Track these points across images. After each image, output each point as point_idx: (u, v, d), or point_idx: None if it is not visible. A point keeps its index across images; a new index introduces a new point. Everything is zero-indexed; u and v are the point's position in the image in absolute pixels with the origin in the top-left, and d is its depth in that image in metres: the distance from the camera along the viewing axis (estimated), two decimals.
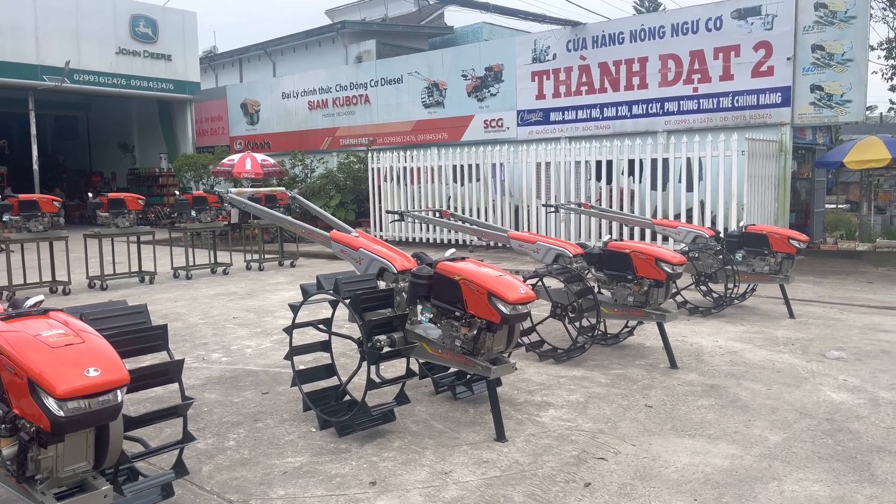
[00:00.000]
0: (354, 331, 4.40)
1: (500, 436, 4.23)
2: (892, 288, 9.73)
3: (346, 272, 4.61)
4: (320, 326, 4.66)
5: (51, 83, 19.31)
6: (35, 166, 20.20)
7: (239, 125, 22.83)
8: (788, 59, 12.62)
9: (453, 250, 4.70)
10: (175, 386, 3.35)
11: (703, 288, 8.26)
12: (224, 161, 16.15)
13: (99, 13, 20.30)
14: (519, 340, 5.70)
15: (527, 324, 6.20)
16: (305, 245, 14.09)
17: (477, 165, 14.91)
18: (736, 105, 13.30)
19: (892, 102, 28.57)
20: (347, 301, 4.15)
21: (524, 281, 6.01)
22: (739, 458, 3.95)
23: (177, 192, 13.16)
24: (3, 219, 9.54)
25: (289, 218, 5.70)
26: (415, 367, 4.99)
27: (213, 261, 12.05)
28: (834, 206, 18.55)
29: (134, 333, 3.16)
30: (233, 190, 5.63)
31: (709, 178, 12.13)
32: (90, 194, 11.35)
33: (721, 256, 7.88)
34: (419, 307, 4.60)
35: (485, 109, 16.76)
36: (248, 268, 12.38)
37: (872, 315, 7.98)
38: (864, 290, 9.60)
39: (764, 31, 12.85)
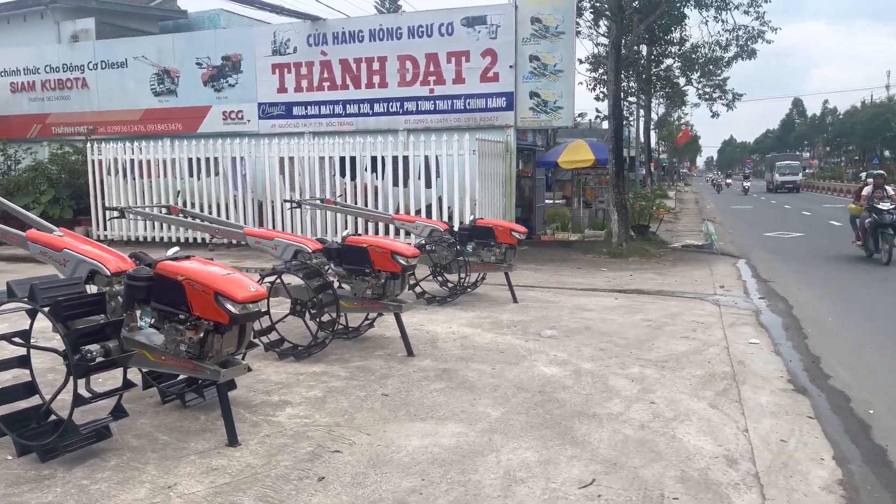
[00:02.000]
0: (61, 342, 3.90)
1: (233, 440, 4.05)
2: (595, 272, 11.18)
3: (48, 276, 4.07)
4: (15, 339, 4.05)
5: None
6: None
7: None
8: (511, 66, 13.85)
9: (176, 249, 4.38)
10: None
11: (440, 278, 8.74)
12: None
13: None
14: (257, 340, 5.54)
15: (266, 322, 6.04)
16: (9, 248, 12.23)
17: (216, 159, 14.18)
18: (468, 107, 14.26)
19: (597, 110, 32.77)
20: (46, 309, 3.65)
21: (262, 278, 5.85)
22: (465, 436, 4.23)
23: None
24: None
25: None
26: (138, 377, 4.59)
27: None
28: (552, 201, 20.79)
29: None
30: None
31: (445, 175, 12.87)
32: None
33: (454, 248, 8.40)
34: (138, 312, 4.22)
35: (223, 100, 15.96)
36: None
37: (580, 296, 9.09)
38: (574, 274, 10.91)
39: (490, 40, 13.95)
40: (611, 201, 14.10)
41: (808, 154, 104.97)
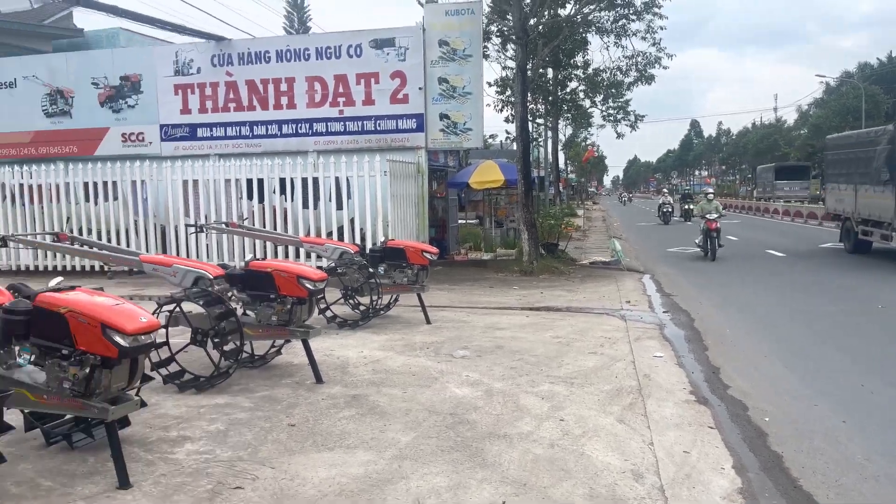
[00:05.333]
0: None
1: (123, 482, 3.79)
2: (507, 290, 11.31)
3: None
4: None
5: None
6: None
7: None
8: (420, 88, 13.93)
9: (59, 279, 4.09)
10: None
11: (351, 301, 8.60)
12: None
13: None
14: (153, 373, 5.25)
15: (165, 354, 5.75)
16: None
17: (114, 182, 13.53)
18: (378, 129, 14.23)
19: (507, 132, 33.42)
20: None
21: (159, 307, 5.57)
22: (374, 464, 4.12)
23: None
24: None
25: None
26: (19, 418, 4.24)
27: None
28: (465, 221, 20.99)
29: None
30: None
31: (356, 196, 12.75)
32: None
33: (365, 271, 8.29)
34: (17, 348, 3.91)
35: (122, 122, 15.28)
36: None
37: (492, 315, 9.15)
38: (487, 293, 11.00)
39: (399, 62, 14.00)
40: (520, 220, 14.35)
41: (705, 172, 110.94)
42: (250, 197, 13.22)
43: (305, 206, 12.93)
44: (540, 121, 30.70)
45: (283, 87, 14.53)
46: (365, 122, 14.29)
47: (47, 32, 22.07)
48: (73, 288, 3.98)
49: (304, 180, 12.86)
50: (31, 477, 3.96)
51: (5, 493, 3.74)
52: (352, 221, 12.89)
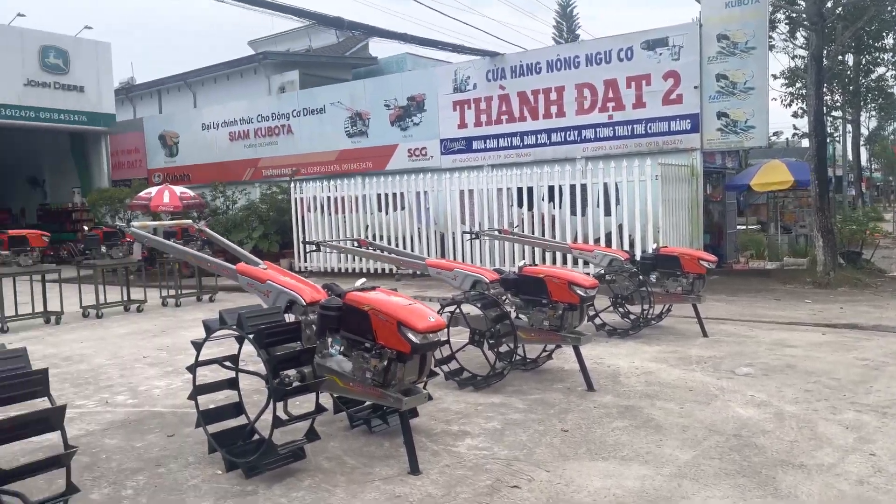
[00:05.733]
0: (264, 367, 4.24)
1: (414, 469, 4.13)
2: (797, 304, 10.17)
3: (251, 306, 4.46)
4: (226, 363, 4.48)
5: None
6: None
7: (157, 157, 22.17)
8: (695, 87, 13.20)
9: (363, 280, 4.62)
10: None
11: (621, 310, 8.42)
12: (141, 194, 15.58)
13: (6, 45, 19.43)
14: (437, 369, 5.67)
15: (446, 351, 6.17)
16: (226, 279, 13.68)
17: (401, 194, 14.92)
18: (649, 132, 13.78)
19: (795, 128, 30.21)
20: (251, 336, 4.00)
21: (442, 308, 6.00)
22: (650, 479, 3.98)
23: (86, 228, 12.60)
24: None
25: (193, 251, 5.50)
26: (329, 401, 4.87)
27: (126, 298, 11.54)
28: (745, 226, 19.38)
29: (9, 380, 2.93)
30: (135, 224, 5.40)
31: (625, 202, 12.47)
32: None
33: (637, 278, 8.07)
34: (329, 340, 4.49)
35: (408, 138, 16.82)
36: (165, 304, 11.92)
37: (780, 331, 8.30)
38: (772, 306, 10.00)
39: (672, 62, 13.42)
40: (814, 225, 12.82)
41: None
42: (520, 204, 13.66)
43: (573, 212, 12.99)
44: (836, 114, 27.20)
45: (553, 96, 14.77)
46: (635, 126, 13.93)
47: (348, 63, 25.15)
48: (374, 288, 4.46)
49: (572, 187, 12.93)
50: (338, 454, 4.51)
51: (318, 467, 4.31)
52: (620, 228, 12.64)
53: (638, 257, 9.16)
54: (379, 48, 26.86)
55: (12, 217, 25.31)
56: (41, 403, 3.16)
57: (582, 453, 4.42)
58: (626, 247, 12.12)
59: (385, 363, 4.15)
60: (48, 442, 4.69)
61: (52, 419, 2.97)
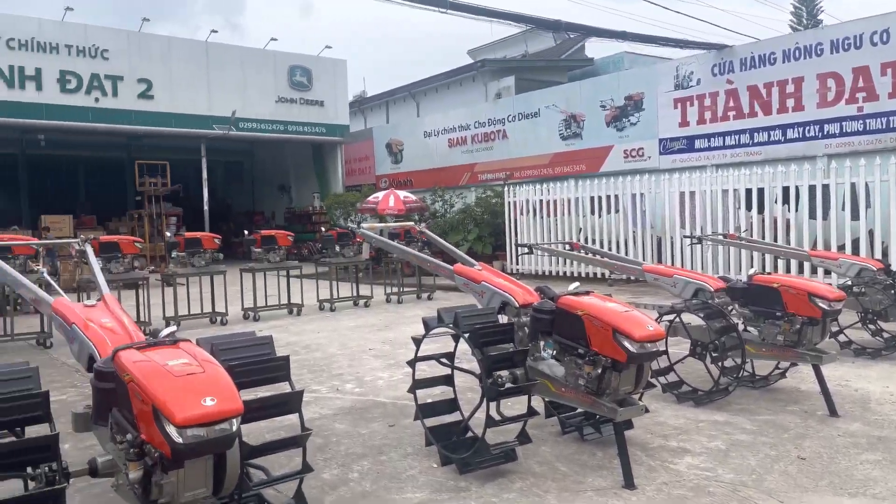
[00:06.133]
0: (478, 366, 4.33)
1: (629, 483, 3.96)
2: None
3: (467, 306, 4.57)
4: (443, 360, 4.64)
5: (219, 132, 21.22)
6: (206, 207, 22.17)
7: (384, 164, 23.86)
8: None
9: (577, 284, 4.53)
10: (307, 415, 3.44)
11: (871, 327, 7.39)
12: (369, 198, 16.86)
13: (262, 66, 22.13)
14: (655, 381, 5.39)
15: (664, 362, 5.86)
16: (443, 279, 14.30)
17: (616, 196, 14.51)
18: None
19: None
20: (466, 335, 4.10)
21: (660, 317, 5.70)
22: None
23: (322, 229, 13.88)
24: (172, 255, 10.52)
25: (415, 252, 5.80)
26: (541, 405, 4.85)
27: (355, 294, 12.53)
28: None
29: (257, 364, 3.29)
30: (364, 225, 5.82)
31: (878, 205, 10.96)
32: (245, 232, 12.23)
33: (892, 291, 7.04)
34: (541, 343, 4.46)
35: (624, 139, 16.33)
36: (388, 300, 12.74)
37: None
38: None
39: None
40: None
41: None
42: (749, 207, 12.59)
43: (812, 216, 11.69)
44: None
45: (790, 88, 13.46)
46: (891, 118, 12.21)
47: (564, 65, 25.08)
48: (588, 293, 4.35)
49: (811, 188, 11.64)
50: (549, 460, 4.47)
51: (530, 470, 4.29)
52: (870, 233, 11.12)
53: (893, 267, 8.00)
54: (595, 48, 26.45)
55: (265, 219, 28.80)
56: (282, 387, 3.49)
57: (823, 486, 3.93)
58: (878, 256, 10.64)
59: (599, 371, 4.03)
60: (287, 422, 5.21)
61: (291, 402, 3.28)
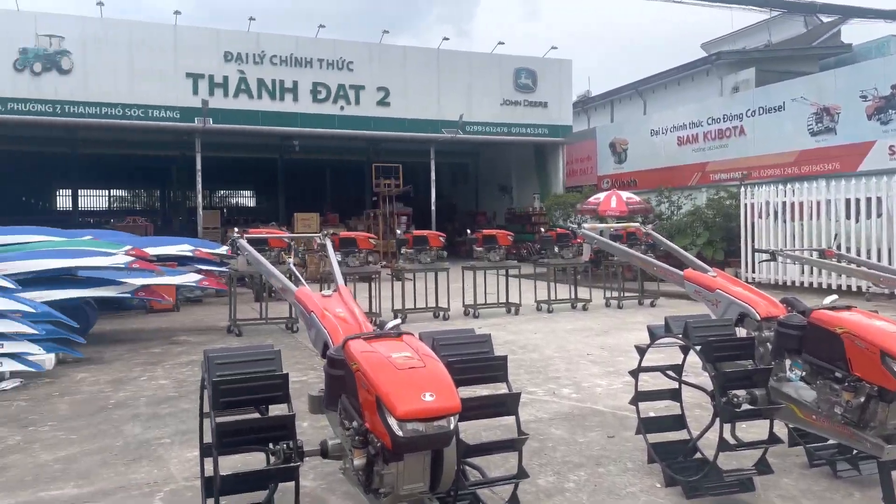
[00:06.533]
0: (709, 382, 3.94)
1: None
2: None
3: (697, 315, 4.19)
4: (669, 373, 4.30)
5: (448, 135, 22.17)
6: (433, 207, 23.32)
7: (606, 164, 23.26)
8: None
9: (835, 297, 3.93)
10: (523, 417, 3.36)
11: None
12: (590, 199, 16.50)
13: (488, 70, 22.73)
14: None
15: None
16: (668, 285, 13.52)
17: (878, 198, 12.63)
18: None
19: None
20: (698, 348, 3.74)
21: None
22: None
23: (542, 230, 13.84)
24: (401, 251, 11.15)
25: (639, 254, 5.47)
26: (783, 431, 4.30)
27: (573, 296, 12.31)
28: None
29: (476, 362, 3.26)
30: (585, 226, 5.62)
31: None
32: (468, 231, 12.59)
33: None
34: (787, 362, 3.94)
35: (890, 133, 14.18)
36: (608, 305, 12.34)
37: None
38: None
39: None
40: None
41: None
42: None
43: None
44: None
45: None
46: None
47: (814, 53, 22.57)
48: (848, 307, 3.75)
49: None
50: (794, 495, 3.93)
51: (769, 503, 3.81)
52: None
53: None
54: (854, 33, 23.41)
55: (487, 219, 29.59)
56: (499, 386, 3.44)
57: None
58: None
59: (862, 399, 3.44)
60: (503, 423, 5.19)
61: (508, 404, 3.21)
